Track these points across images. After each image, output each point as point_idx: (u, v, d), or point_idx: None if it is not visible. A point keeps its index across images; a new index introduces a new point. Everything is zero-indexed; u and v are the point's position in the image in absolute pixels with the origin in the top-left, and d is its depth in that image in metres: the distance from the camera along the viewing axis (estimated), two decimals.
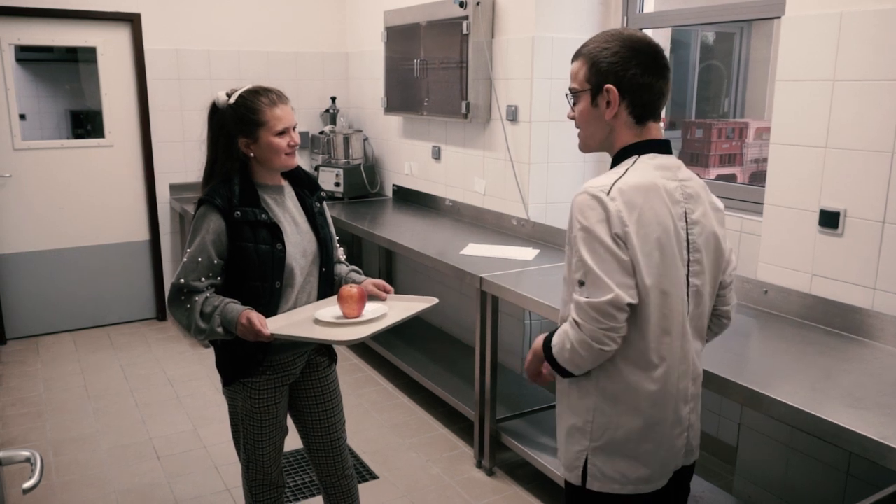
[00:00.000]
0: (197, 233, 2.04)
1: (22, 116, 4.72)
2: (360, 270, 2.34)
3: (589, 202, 1.47)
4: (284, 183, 2.19)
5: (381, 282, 2.23)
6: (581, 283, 1.48)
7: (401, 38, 4.45)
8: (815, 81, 2.38)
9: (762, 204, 2.64)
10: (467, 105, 3.90)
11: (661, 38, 3.92)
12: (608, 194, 1.47)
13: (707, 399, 3.22)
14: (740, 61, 4.56)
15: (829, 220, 2.38)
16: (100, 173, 4.95)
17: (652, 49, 1.56)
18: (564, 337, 1.52)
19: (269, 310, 2.04)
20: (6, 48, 4.53)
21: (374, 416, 3.78)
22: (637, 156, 1.56)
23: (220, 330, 1.98)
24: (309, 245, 2.15)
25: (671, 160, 1.58)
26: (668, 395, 1.56)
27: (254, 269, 2.03)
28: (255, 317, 1.94)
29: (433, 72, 4.16)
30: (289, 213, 2.14)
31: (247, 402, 2.16)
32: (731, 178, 4.42)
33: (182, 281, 2.00)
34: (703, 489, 2.74)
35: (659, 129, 1.61)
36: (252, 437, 2.20)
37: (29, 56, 5.18)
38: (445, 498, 3.02)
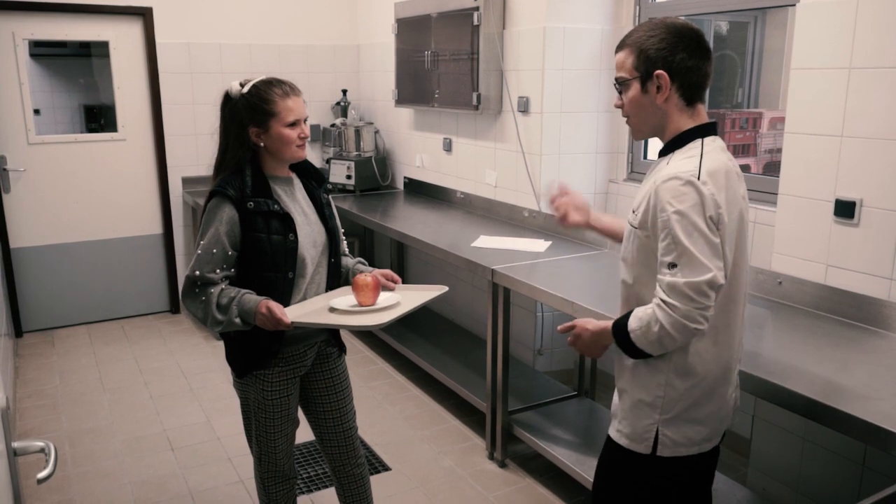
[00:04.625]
0: (210, 224, 2.04)
1: (36, 111, 4.75)
2: (365, 262, 2.35)
3: (682, 187, 1.52)
4: (293, 175, 2.20)
5: (388, 272, 2.24)
6: (672, 266, 1.52)
7: (411, 30, 4.43)
8: (831, 69, 2.35)
9: (776, 194, 2.61)
10: (478, 97, 3.88)
11: None
12: (699, 179, 1.52)
13: None
14: (754, 51, 4.51)
15: (845, 209, 2.35)
16: (113, 167, 4.97)
17: (695, 33, 1.62)
18: (650, 319, 1.55)
19: (282, 300, 2.04)
20: (20, 43, 4.55)
21: (386, 408, 3.78)
22: (700, 139, 1.62)
23: (237, 321, 1.98)
24: (319, 236, 2.16)
25: (722, 142, 1.66)
26: (733, 360, 1.68)
27: (267, 260, 2.04)
28: (275, 306, 1.94)
29: (444, 63, 4.15)
30: (299, 205, 2.15)
31: (259, 395, 2.17)
32: (746, 168, 4.37)
33: (197, 273, 2.00)
34: (716, 481, 2.72)
35: (704, 111, 1.68)
36: (264, 429, 2.21)
37: (43, 51, 5.21)
38: (457, 490, 3.03)
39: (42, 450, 1.34)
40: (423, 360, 3.89)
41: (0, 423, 1.25)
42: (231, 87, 2.08)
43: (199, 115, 5.08)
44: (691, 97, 1.63)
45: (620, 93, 1.69)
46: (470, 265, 3.19)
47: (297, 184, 2.20)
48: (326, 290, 2.20)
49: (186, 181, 5.12)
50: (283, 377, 2.17)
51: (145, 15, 4.82)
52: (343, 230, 2.33)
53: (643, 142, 3.61)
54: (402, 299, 2.11)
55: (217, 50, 5.08)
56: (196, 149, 5.11)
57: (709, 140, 1.62)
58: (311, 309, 2.07)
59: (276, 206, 2.05)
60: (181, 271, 5.24)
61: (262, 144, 2.07)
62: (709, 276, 1.49)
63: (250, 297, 1.99)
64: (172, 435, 3.50)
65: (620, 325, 1.62)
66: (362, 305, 2.05)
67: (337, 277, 2.24)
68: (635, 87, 1.64)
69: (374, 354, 4.50)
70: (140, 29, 4.86)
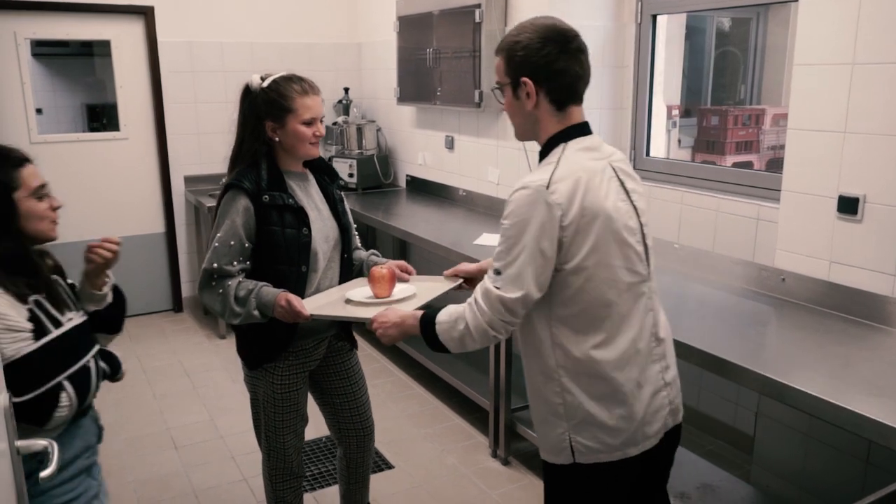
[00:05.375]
0: (226, 216, 2.05)
1: (38, 111, 4.75)
2: (379, 253, 2.38)
3: (529, 197, 1.51)
4: (307, 171, 2.23)
5: (403, 263, 2.27)
6: (497, 272, 1.54)
7: (413, 28, 4.43)
8: (834, 65, 2.34)
9: (779, 191, 2.60)
10: (480, 94, 3.87)
11: (676, 24, 3.88)
12: (548, 188, 1.50)
13: (723, 387, 3.19)
14: (756, 47, 4.50)
15: (849, 205, 2.34)
16: (115, 166, 4.98)
17: (562, 33, 1.58)
18: (458, 318, 1.60)
19: (295, 293, 2.05)
20: (22, 42, 4.56)
21: (389, 406, 3.78)
22: (564, 144, 1.60)
23: (256, 313, 2.00)
24: (331, 231, 2.19)
25: (594, 139, 1.64)
26: (630, 358, 1.59)
27: (281, 253, 2.06)
28: (294, 298, 1.97)
29: (446, 61, 4.14)
30: (312, 200, 2.18)
31: (268, 388, 2.19)
32: (748, 165, 4.37)
33: (214, 265, 2.02)
34: (719, 478, 2.72)
35: (580, 112, 1.64)
36: (273, 423, 2.22)
37: (45, 50, 5.22)
38: (461, 487, 3.03)
39: (45, 448, 1.34)
40: (426, 357, 3.89)
41: (4, 422, 1.25)
42: (252, 80, 2.10)
43: (201, 114, 5.08)
44: (561, 101, 1.59)
45: (502, 97, 1.66)
46: (473, 263, 3.18)
47: (311, 180, 2.23)
48: (340, 284, 2.22)
49: (188, 180, 5.12)
50: (293, 371, 2.19)
51: (147, 14, 4.82)
52: (355, 225, 2.36)
53: (646, 138, 3.60)
54: (418, 291, 2.13)
55: (219, 49, 5.08)
56: (198, 148, 5.11)
57: (572, 143, 1.59)
58: (327, 301, 2.09)
59: (290, 200, 2.07)
60: (183, 270, 5.25)
61: (276, 139, 2.09)
62: (520, 294, 1.51)
63: (268, 290, 2.01)
64: (175, 433, 3.50)
65: (429, 316, 1.67)
66: (378, 297, 2.07)
67: (349, 273, 2.27)
68: (508, 93, 1.63)
69: (377, 352, 4.51)
70: (142, 28, 4.86)
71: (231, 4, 5.07)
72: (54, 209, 1.70)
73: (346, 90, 5.36)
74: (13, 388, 1.47)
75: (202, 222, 4.98)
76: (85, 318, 1.75)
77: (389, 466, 3.19)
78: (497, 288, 1.53)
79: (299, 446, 2.31)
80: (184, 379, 4.12)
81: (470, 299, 1.60)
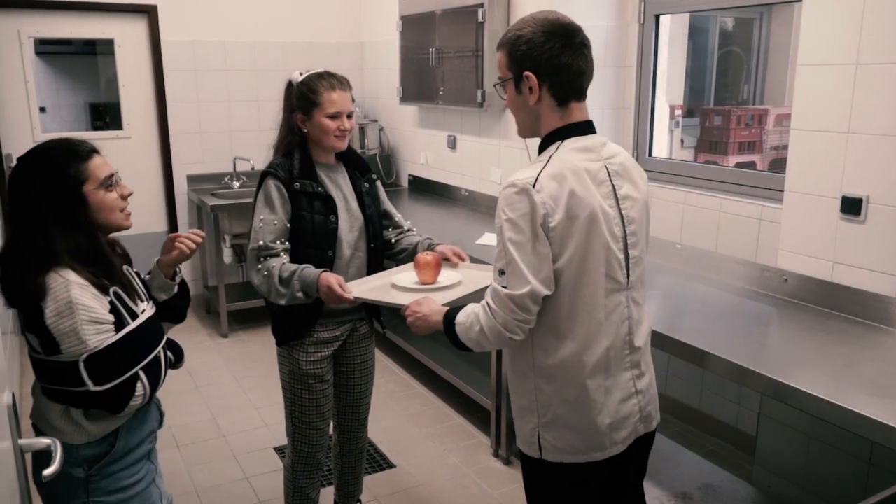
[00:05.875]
0: (265, 200, 2.19)
1: (42, 109, 4.76)
2: (433, 238, 2.47)
3: (515, 195, 1.51)
4: (339, 163, 2.35)
5: (456, 248, 2.34)
6: (502, 273, 1.54)
7: (416, 27, 4.43)
8: (837, 65, 2.34)
9: (782, 191, 2.60)
10: (483, 94, 3.87)
11: (679, 24, 3.87)
12: (534, 186, 1.50)
13: (725, 388, 3.19)
14: (760, 47, 4.49)
15: (852, 206, 2.34)
16: (118, 165, 4.83)
17: (565, 28, 1.56)
18: (474, 319, 1.60)
19: None
20: (26, 41, 4.57)
21: (391, 405, 3.79)
22: (560, 142, 1.59)
23: (300, 295, 2.09)
24: (356, 221, 2.30)
25: (594, 140, 1.61)
26: (599, 365, 1.59)
27: (308, 238, 2.20)
28: (335, 283, 2.04)
29: (448, 61, 4.14)
30: (341, 190, 2.30)
31: (295, 365, 2.31)
32: (751, 165, 4.36)
33: (260, 243, 2.14)
34: (721, 478, 2.72)
35: (582, 110, 1.62)
36: (299, 402, 2.34)
37: (48, 49, 5.23)
38: (462, 487, 3.03)
39: (48, 447, 1.35)
40: (428, 357, 3.89)
41: (7, 420, 1.25)
42: (292, 75, 2.26)
43: (203, 113, 5.08)
44: (563, 96, 1.57)
45: (504, 93, 1.65)
46: (474, 263, 3.18)
47: (342, 171, 2.34)
48: (368, 273, 2.32)
49: (191, 179, 5.12)
50: (318, 349, 2.30)
51: (150, 13, 4.83)
52: (398, 215, 2.51)
53: (649, 138, 3.60)
54: (465, 279, 2.16)
55: (222, 48, 5.08)
56: (201, 147, 5.11)
57: (568, 142, 1.58)
58: (375, 285, 2.16)
59: (319, 189, 2.21)
60: (185, 269, 5.24)
61: (305, 130, 2.22)
62: (527, 290, 1.50)
63: (311, 271, 2.11)
64: (178, 432, 3.50)
65: (450, 316, 1.69)
66: (423, 283, 2.12)
67: (379, 262, 2.38)
68: (511, 88, 1.61)
69: (379, 352, 4.51)
70: (145, 27, 4.87)
71: (234, 4, 5.07)
72: (124, 197, 1.72)
73: None
74: (94, 378, 1.54)
75: (204, 221, 4.99)
76: (154, 309, 1.79)
77: (391, 465, 3.20)
78: (504, 287, 1.53)
79: (325, 431, 2.39)
80: (186, 378, 4.12)
81: (482, 301, 1.59)
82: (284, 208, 2.17)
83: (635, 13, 3.55)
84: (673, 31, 3.69)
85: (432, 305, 1.80)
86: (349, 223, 2.27)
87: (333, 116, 2.18)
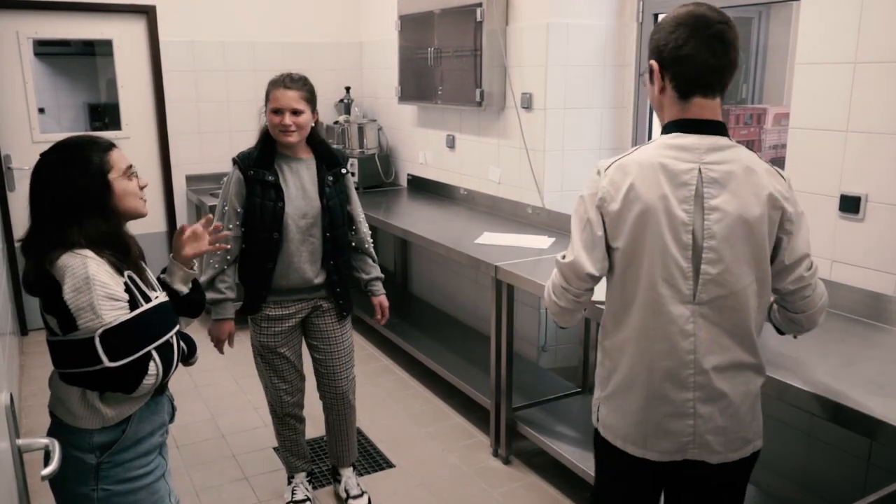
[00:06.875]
0: (226, 186, 2.50)
1: (41, 110, 4.75)
2: (380, 281, 2.74)
3: (593, 176, 1.62)
4: (308, 156, 2.55)
5: (384, 305, 2.80)
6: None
7: (414, 27, 4.43)
8: (836, 64, 2.34)
9: None
10: (481, 93, 3.87)
11: None
12: (606, 171, 1.58)
13: None
14: (758, 46, 4.49)
15: (850, 205, 2.34)
16: None
17: (697, 19, 1.48)
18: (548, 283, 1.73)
19: (269, 256, 2.47)
20: (24, 42, 4.56)
21: (390, 405, 3.78)
22: (663, 135, 1.59)
23: (210, 297, 2.46)
24: (311, 209, 2.50)
25: (700, 140, 1.51)
26: (642, 365, 1.59)
27: (257, 221, 2.45)
28: (225, 333, 2.57)
29: (447, 60, 4.14)
30: (300, 180, 2.51)
31: (254, 334, 2.63)
32: None
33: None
34: None
35: (707, 107, 1.52)
36: (261, 365, 2.69)
37: (47, 50, 5.21)
38: (462, 486, 3.03)
39: (46, 447, 1.35)
40: (427, 357, 3.89)
41: (5, 420, 1.25)
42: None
43: (202, 113, 5.08)
44: (685, 89, 1.51)
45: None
46: (473, 262, 3.19)
47: (309, 163, 2.54)
48: (323, 260, 2.56)
49: (190, 179, 5.12)
50: (270, 325, 2.59)
51: (149, 13, 4.83)
52: (363, 223, 2.71)
53: (647, 137, 3.61)
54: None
55: (220, 48, 5.08)
56: (199, 147, 5.11)
57: (667, 136, 1.54)
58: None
59: (269, 177, 2.45)
60: None
61: (265, 124, 2.50)
62: (570, 260, 1.61)
63: (224, 308, 2.53)
64: (177, 432, 3.50)
65: None
66: None
67: (339, 251, 2.60)
68: (647, 79, 1.62)
69: (378, 352, 4.51)
70: (144, 27, 4.87)
71: (232, 4, 5.07)
72: (141, 188, 1.81)
73: (348, 89, 5.36)
74: (109, 354, 1.59)
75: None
76: (167, 299, 1.85)
77: (390, 465, 3.19)
78: (561, 255, 1.66)
79: (289, 390, 2.69)
80: (185, 377, 4.12)
81: None
82: (238, 195, 2.45)
83: (633, 12, 3.55)
84: None
85: None
86: (302, 210, 2.48)
87: (276, 112, 2.41)
